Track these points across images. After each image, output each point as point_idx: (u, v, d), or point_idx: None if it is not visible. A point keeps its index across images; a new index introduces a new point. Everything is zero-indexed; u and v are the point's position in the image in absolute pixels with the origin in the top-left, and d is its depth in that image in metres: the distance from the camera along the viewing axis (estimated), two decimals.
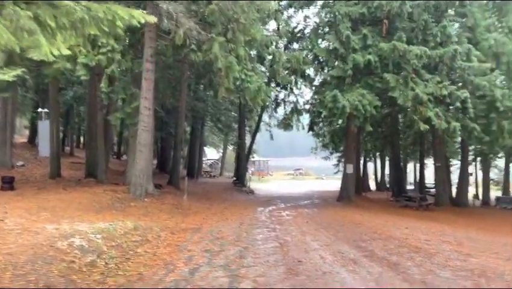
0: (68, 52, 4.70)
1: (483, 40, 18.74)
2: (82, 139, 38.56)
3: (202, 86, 25.83)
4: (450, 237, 11.19)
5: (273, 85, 21.23)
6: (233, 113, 33.84)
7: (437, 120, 17.03)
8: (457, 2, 18.71)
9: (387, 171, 44.13)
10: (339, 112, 16.56)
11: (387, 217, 15.94)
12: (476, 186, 39.10)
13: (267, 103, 23.81)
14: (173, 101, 22.22)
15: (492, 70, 18.43)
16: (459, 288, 5.71)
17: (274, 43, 16.17)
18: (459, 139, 24.46)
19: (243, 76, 14.37)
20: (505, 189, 39.78)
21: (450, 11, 19.86)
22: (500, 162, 40.20)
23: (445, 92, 17.05)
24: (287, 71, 18.04)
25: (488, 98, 18.61)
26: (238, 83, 14.60)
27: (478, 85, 17.46)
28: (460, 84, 17.87)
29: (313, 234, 10.12)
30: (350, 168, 21.09)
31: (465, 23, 18.68)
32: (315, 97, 18.80)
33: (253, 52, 18.92)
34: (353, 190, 21.98)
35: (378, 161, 45.14)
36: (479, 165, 38.73)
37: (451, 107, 19.42)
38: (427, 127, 16.90)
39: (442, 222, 16.63)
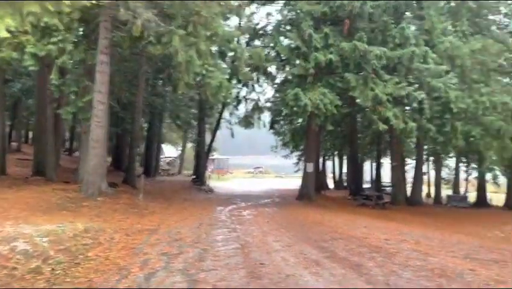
0: (6, 34, 4.14)
1: (439, 42, 19.30)
2: (30, 134, 36.49)
3: (160, 81, 25.09)
4: (407, 236, 11.33)
5: (234, 82, 20.86)
6: (193, 110, 33.16)
7: (395, 120, 17.35)
8: (415, 4, 19.12)
9: (344, 170, 45.10)
10: (301, 110, 16.49)
11: (346, 215, 16.05)
12: (429, 185, 40.67)
13: (229, 100, 23.43)
14: (130, 96, 21.35)
15: (447, 72, 19.02)
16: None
17: (236, 39, 15.80)
18: (414, 139, 25.25)
19: (204, 72, 13.93)
20: (455, 188, 41.76)
21: (408, 14, 20.33)
22: (451, 161, 42.21)
23: (403, 93, 17.40)
24: (248, 68, 17.75)
25: (443, 100, 19.19)
26: (198, 78, 14.14)
27: (434, 86, 17.96)
28: (417, 85, 18.27)
29: (274, 234, 9.90)
30: (310, 167, 21.15)
31: (423, 25, 19.14)
32: (277, 95, 18.65)
33: (214, 48, 18.52)
34: (313, 189, 22.08)
35: (336, 160, 45.94)
36: (431, 165, 40.46)
37: (408, 108, 19.92)
38: (386, 127, 17.19)
39: (399, 221, 16.98)
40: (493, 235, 16.17)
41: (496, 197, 34.27)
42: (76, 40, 13.52)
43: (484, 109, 19.91)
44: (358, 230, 11.30)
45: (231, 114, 28.19)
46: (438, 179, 32.81)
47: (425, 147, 28.25)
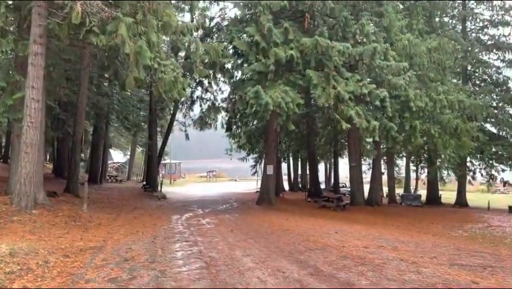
0: None
1: (397, 40, 19.06)
2: None
3: (106, 80, 23.07)
4: (381, 241, 10.58)
5: (188, 80, 19.45)
6: (142, 113, 31.17)
7: (358, 119, 16.76)
8: (373, 1, 18.73)
9: (299, 171, 44.72)
10: (262, 109, 15.40)
11: (312, 220, 15.20)
12: (381, 185, 41.17)
13: (183, 99, 22.02)
14: (72, 95, 19.27)
15: (405, 70, 18.79)
16: None
17: (191, 32, 14.47)
18: (370, 139, 25.08)
19: (156, 66, 12.45)
20: (406, 187, 42.69)
21: (366, 11, 19.94)
22: (400, 161, 43.16)
23: (365, 90, 16.84)
24: (204, 65, 16.43)
25: (402, 98, 18.95)
26: (150, 73, 12.65)
27: (395, 84, 17.61)
28: (377, 83, 17.82)
29: (242, 247, 8.69)
30: (270, 169, 20.14)
31: (381, 23, 18.79)
32: (235, 93, 17.48)
33: (166, 41, 17.07)
34: (274, 192, 21.10)
35: (291, 162, 45.43)
36: (383, 165, 41.05)
37: (367, 106, 19.48)
38: (349, 126, 16.53)
39: (364, 223, 16.40)
40: (457, 234, 15.99)
41: (444, 194, 35.17)
42: (3, 28, 11.57)
43: (442, 108, 19.95)
44: (331, 237, 10.38)
45: (184, 115, 26.68)
46: (392, 179, 33.04)
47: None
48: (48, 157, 41.60)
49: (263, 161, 35.87)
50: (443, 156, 24.90)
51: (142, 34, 11.86)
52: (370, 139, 25.59)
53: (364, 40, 18.00)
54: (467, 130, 20.48)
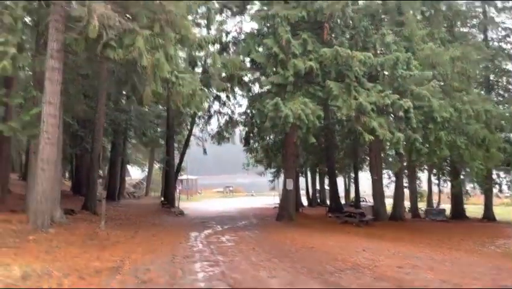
0: None
1: (419, 50, 18.50)
2: None
3: (124, 95, 23.04)
4: (414, 259, 9.90)
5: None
6: (159, 129, 31.07)
7: (381, 130, 16.17)
8: (395, 10, 18.27)
9: (317, 186, 43.92)
10: (281, 122, 14.97)
11: (336, 236, 14.54)
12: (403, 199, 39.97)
13: (200, 114, 21.78)
14: (89, 111, 19.19)
15: (428, 80, 18.18)
16: None
17: (208, 44, 14.24)
18: (392, 151, 24.35)
19: (174, 79, 12.18)
20: (429, 201, 41.41)
21: (386, 21, 19.51)
22: (421, 174, 41.94)
23: (388, 101, 16.29)
24: (222, 78, 16.17)
25: (426, 108, 18.25)
26: (168, 87, 12.38)
27: (418, 94, 16.99)
28: (399, 94, 17.22)
29: (267, 267, 8.15)
30: (290, 184, 19.59)
31: (402, 32, 18.29)
32: (253, 106, 17.12)
33: (183, 55, 16.91)
34: (294, 208, 20.50)
35: (308, 176, 44.66)
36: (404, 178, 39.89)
37: (391, 117, 18.87)
38: (372, 137, 15.94)
39: (390, 240, 15.61)
40: (490, 250, 15.10)
41: (468, 208, 33.87)
42: (21, 44, 11.48)
43: (467, 118, 19.17)
44: (360, 256, 9.75)
45: (201, 130, 26.45)
46: (414, 193, 31.97)
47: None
48: (68, 174, 41.89)
49: (281, 175, 35.39)
50: (468, 169, 24.03)
51: (159, 47, 11.62)
52: (391, 152, 24.88)
53: (385, 50, 17.52)
54: (495, 141, 19.61)
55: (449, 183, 42.23)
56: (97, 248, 10.86)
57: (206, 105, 20.75)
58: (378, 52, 17.82)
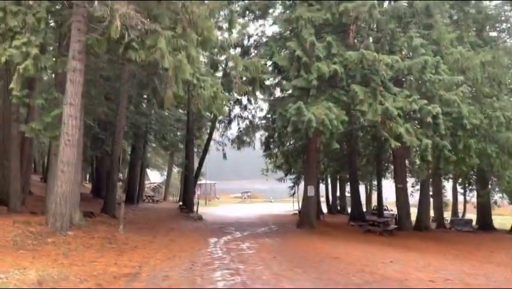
0: None
1: (448, 54, 17.80)
2: None
3: (145, 99, 23.02)
4: (445, 273, 9.31)
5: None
6: (179, 133, 30.98)
7: (408, 137, 15.57)
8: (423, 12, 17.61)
9: (338, 193, 43.13)
10: (304, 126, 14.54)
11: (360, 246, 13.98)
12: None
13: (220, 118, 21.50)
14: (110, 113, 19.18)
15: (457, 85, 17.49)
16: None
17: (230, 46, 13.99)
18: (417, 159, 23.56)
19: (195, 81, 11.94)
20: (454, 211, 40.13)
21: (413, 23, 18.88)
22: (446, 183, 40.63)
23: (415, 106, 15.69)
24: (243, 81, 15.86)
25: (454, 115, 17.53)
26: (189, 89, 12.14)
27: (448, 100, 16.32)
28: (427, 99, 16.57)
29: (290, 277, 7.73)
30: (311, 191, 19.09)
31: (430, 35, 17.66)
32: (275, 110, 16.75)
33: (205, 58, 16.71)
34: (315, 215, 19.98)
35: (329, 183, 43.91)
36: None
37: (416, 122, 18.22)
38: (399, 144, 15.34)
39: (417, 251, 14.94)
40: None
41: (495, 219, 32.56)
42: (43, 44, 11.44)
43: (498, 125, 18.34)
44: (388, 268, 9.23)
45: (222, 134, 26.21)
46: (440, 202, 30.97)
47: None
48: (88, 177, 42.27)
49: (301, 181, 34.83)
50: (495, 178, 23.03)
51: (182, 48, 11.40)
52: (417, 160, 24.06)
53: (412, 54, 16.94)
54: None
55: (475, 193, 41.07)
56: (116, 252, 10.63)
57: (226, 109, 20.52)
58: (405, 55, 17.20)
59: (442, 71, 16.57)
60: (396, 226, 21.30)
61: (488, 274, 10.14)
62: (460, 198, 43.07)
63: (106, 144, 21.96)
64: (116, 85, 19.11)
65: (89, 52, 12.53)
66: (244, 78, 15.88)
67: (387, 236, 19.46)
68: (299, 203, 45.86)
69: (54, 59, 11.99)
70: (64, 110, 11.17)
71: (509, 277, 10.06)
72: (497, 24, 26.99)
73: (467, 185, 38.98)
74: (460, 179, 37.63)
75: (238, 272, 8.28)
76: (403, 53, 17.22)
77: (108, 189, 18.54)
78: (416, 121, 17.31)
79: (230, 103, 21.65)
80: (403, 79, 17.58)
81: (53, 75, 14.84)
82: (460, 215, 40.45)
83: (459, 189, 41.39)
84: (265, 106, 21.94)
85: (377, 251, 12.82)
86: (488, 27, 25.33)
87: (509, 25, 27.42)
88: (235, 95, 20.90)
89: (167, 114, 26.26)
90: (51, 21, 13.27)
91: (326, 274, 8.19)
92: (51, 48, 13.63)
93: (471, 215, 40.71)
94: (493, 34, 26.90)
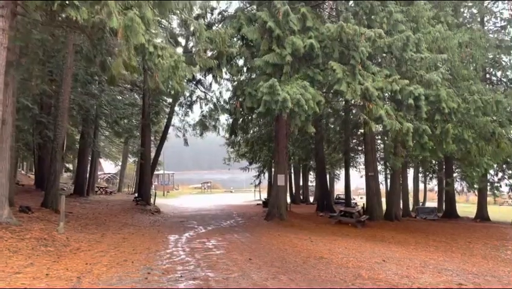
0: None
1: (425, 33, 16.64)
2: None
3: (95, 80, 20.37)
4: (449, 273, 8.02)
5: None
6: (134, 119, 28.35)
7: (388, 120, 14.25)
8: None
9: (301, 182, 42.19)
10: (278, 107, 12.82)
11: (339, 241, 12.53)
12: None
13: (182, 99, 19.28)
14: (54, 95, 16.56)
15: (436, 67, 16.40)
16: None
17: (190, 11, 11.98)
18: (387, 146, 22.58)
19: (151, 49, 9.86)
20: (416, 200, 40.19)
21: None
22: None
23: (396, 87, 14.37)
24: (208, 56, 13.87)
25: (432, 98, 16.43)
26: (145, 58, 10.04)
27: (429, 81, 15.14)
28: (408, 80, 15.31)
29: (275, 287, 6.02)
30: (281, 180, 17.51)
31: (410, 11, 16.41)
32: (243, 90, 14.90)
33: (162, 27, 14.58)
34: (285, 206, 18.43)
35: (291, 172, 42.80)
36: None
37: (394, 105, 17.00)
38: (380, 127, 14.02)
39: (396, 244, 13.76)
40: (510, 257, 13.41)
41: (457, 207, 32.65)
42: None
43: (476, 110, 17.47)
44: (385, 269, 7.78)
45: (182, 120, 24.04)
46: (406, 191, 30.48)
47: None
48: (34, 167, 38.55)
49: (266, 170, 33.33)
50: (465, 165, 22.45)
51: (134, 6, 9.30)
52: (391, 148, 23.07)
53: (392, 30, 15.62)
54: (506, 135, 18.00)
55: (434, 181, 41.32)
56: (51, 258, 8.52)
57: (188, 88, 18.49)
58: (384, 32, 15.86)
59: (423, 50, 15.38)
60: (367, 216, 20.20)
61: (481, 272, 8.90)
62: (420, 186, 43.40)
63: (48, 129, 19.21)
64: (60, 62, 16.55)
65: (17, 13, 10.13)
66: (208, 53, 13.91)
67: (360, 227, 18.31)
68: (260, 193, 44.73)
69: None
70: None
71: (501, 274, 8.88)
72: (470, 3, 26.42)
73: (427, 173, 39.18)
74: (420, 168, 37.72)
75: (208, 281, 6.49)
76: (384, 29, 15.84)
77: (49, 180, 15.98)
78: (394, 104, 16.02)
79: (191, 84, 19.57)
80: (382, 58, 16.24)
81: None
82: (420, 203, 40.65)
83: (420, 177, 41.66)
84: (230, 87, 20.07)
85: (359, 247, 11.41)
86: (462, 9, 24.69)
87: (476, 10, 27.00)
88: (198, 75, 18.88)
89: (120, 97, 23.70)
90: None
91: (316, 280, 6.57)
92: None
93: (431, 203, 41.16)
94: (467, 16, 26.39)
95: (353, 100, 14.08)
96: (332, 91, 15.37)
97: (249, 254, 9.16)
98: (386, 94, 15.58)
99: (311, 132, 14.76)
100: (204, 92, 20.92)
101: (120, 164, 47.59)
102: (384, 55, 15.55)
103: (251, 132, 28.62)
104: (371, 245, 12.19)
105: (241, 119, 20.17)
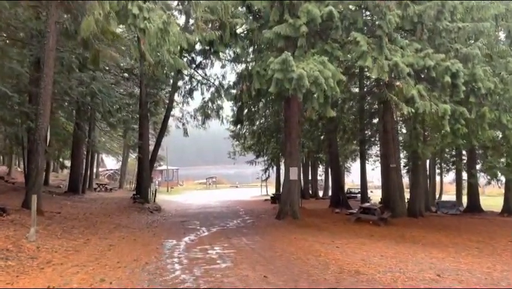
0: None
1: (459, 2, 14.44)
2: None
3: (84, 66, 18.25)
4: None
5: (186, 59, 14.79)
6: (131, 112, 26.23)
7: (421, 101, 12.13)
8: None
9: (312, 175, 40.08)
10: (292, 86, 10.72)
11: (369, 246, 10.45)
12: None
13: (181, 83, 17.10)
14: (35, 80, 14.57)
15: (474, 39, 14.27)
16: None
17: None
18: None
19: (136, 10, 7.80)
20: (434, 193, 37.96)
21: None
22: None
23: (430, 62, 12.23)
24: (209, 28, 11.78)
25: (467, 77, 14.24)
26: (128, 22, 7.98)
27: (467, 55, 12.97)
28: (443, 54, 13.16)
29: None
30: (294, 173, 15.44)
31: None
32: (250, 70, 12.82)
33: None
34: (298, 203, 16.38)
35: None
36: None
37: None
38: (412, 110, 11.90)
39: (432, 246, 11.65)
40: None
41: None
42: None
43: None
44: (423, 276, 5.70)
45: (181, 107, 22.01)
46: (426, 184, 28.28)
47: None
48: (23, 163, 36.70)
49: (273, 164, 31.29)
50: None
51: None
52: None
53: None
54: None
55: (450, 174, 39.09)
56: (9, 276, 6.58)
57: (186, 70, 16.39)
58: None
59: (459, 20, 13.21)
60: (390, 213, 18.11)
61: None
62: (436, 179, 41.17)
63: (32, 120, 17.20)
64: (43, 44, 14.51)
65: None
66: (209, 24, 11.81)
67: (382, 225, 16.23)
68: (267, 188, 42.70)
69: None
70: None
71: None
72: None
73: (444, 165, 36.96)
74: (437, 158, 35.49)
75: None
76: None
77: (31, 177, 14.00)
78: (425, 82, 13.86)
79: (190, 68, 17.45)
80: (409, 31, 14.07)
81: None
82: (437, 197, 38.50)
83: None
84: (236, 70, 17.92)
85: (396, 254, 9.31)
86: None
87: None
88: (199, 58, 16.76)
89: (113, 86, 21.61)
90: None
91: None
92: None
93: (449, 196, 38.98)
94: None
95: (379, 78, 11.88)
96: (353, 70, 13.19)
97: (262, 268, 7.10)
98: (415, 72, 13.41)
99: (331, 116, 12.61)
100: (205, 78, 18.79)
101: (121, 159, 45.79)
102: (415, 25, 13.31)
103: (257, 122, 26.59)
104: (407, 250, 10.12)
105: (246, 109, 18.12)
